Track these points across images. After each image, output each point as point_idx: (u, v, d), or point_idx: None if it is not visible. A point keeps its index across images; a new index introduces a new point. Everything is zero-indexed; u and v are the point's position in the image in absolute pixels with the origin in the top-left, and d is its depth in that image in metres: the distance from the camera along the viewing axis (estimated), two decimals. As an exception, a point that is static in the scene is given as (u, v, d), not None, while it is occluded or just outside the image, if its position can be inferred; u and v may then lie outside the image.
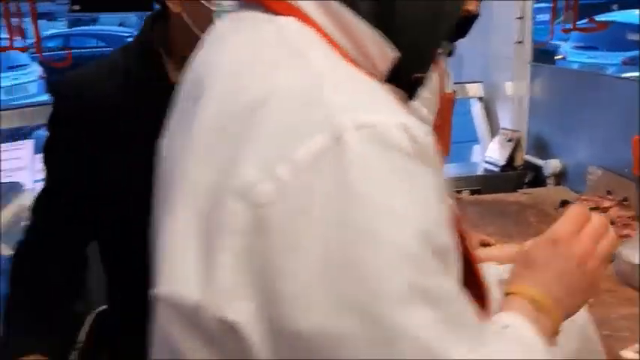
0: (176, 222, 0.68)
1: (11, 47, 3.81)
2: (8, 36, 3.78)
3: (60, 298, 1.28)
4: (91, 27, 16.04)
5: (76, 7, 3.80)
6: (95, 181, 1.21)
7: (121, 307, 1.31)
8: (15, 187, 2.44)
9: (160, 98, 1.03)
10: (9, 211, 2.25)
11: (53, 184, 1.28)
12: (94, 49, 12.50)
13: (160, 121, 0.95)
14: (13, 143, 3.53)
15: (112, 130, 1.18)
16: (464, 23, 2.00)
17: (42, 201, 1.30)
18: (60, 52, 10.12)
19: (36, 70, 10.65)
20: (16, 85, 10.17)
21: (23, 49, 3.90)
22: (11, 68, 10.08)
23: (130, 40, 1.31)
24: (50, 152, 1.28)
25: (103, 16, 16.15)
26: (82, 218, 1.26)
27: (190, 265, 0.63)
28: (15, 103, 7.64)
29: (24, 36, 4.04)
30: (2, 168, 3.40)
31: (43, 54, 3.86)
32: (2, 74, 9.29)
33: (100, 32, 14.66)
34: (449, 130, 2.22)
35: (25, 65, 10.52)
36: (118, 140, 1.18)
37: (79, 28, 16.04)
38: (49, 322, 1.23)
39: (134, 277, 1.10)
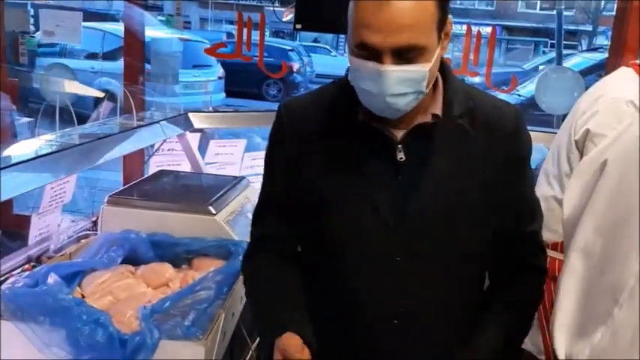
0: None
1: (240, 55, 4.25)
2: (236, 43, 4.23)
3: (298, 289, 1.43)
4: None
5: (299, 26, 4.15)
6: (301, 190, 1.38)
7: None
8: (243, 182, 2.72)
9: (347, 132, 1.33)
10: (237, 202, 2.52)
11: (275, 190, 1.45)
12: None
13: (347, 151, 1.33)
14: (230, 140, 3.85)
15: (313, 150, 1.36)
16: None
17: (266, 208, 1.48)
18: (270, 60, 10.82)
19: (217, 71, 11.42)
20: (196, 82, 10.84)
21: (247, 59, 4.30)
22: (196, 67, 10.82)
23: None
24: (270, 164, 1.46)
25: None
26: (296, 222, 1.42)
27: None
28: (189, 97, 8.12)
29: (249, 47, 4.48)
30: (216, 161, 3.82)
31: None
32: (187, 71, 9.91)
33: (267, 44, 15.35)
34: None
35: (209, 66, 11.28)
36: (317, 159, 1.36)
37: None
38: (300, 309, 1.38)
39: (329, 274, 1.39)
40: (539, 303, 1.52)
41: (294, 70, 14.07)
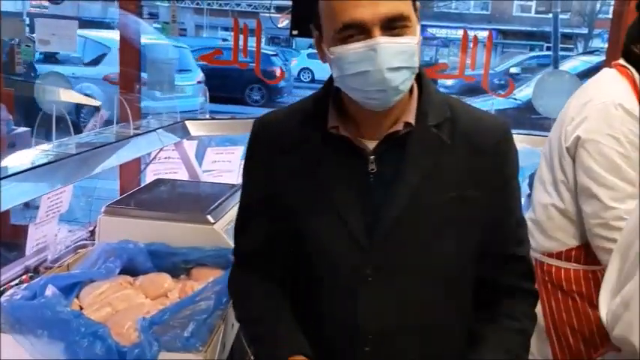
0: None
1: (236, 61, 4.24)
2: (233, 50, 4.23)
3: (287, 310, 1.36)
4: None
5: (295, 32, 4.15)
6: (274, 204, 1.32)
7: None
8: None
9: (317, 143, 1.28)
10: (235, 210, 2.51)
11: (252, 202, 1.39)
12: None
13: (317, 163, 1.27)
14: (227, 147, 3.84)
15: (285, 163, 1.31)
16: None
17: (245, 221, 1.41)
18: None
19: (196, 75, 11.42)
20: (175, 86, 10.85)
21: (244, 65, 4.29)
22: (183, 71, 10.81)
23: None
24: (246, 177, 1.41)
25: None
26: (273, 235, 1.35)
27: None
28: (168, 102, 8.21)
29: (245, 53, 4.48)
30: (213, 168, 3.81)
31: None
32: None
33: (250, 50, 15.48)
34: None
35: (188, 70, 11.26)
36: (288, 172, 1.31)
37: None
38: (295, 329, 1.32)
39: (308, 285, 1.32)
40: (532, 330, 1.39)
41: (277, 75, 14.14)
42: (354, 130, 1.27)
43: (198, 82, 11.56)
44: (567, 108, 2.09)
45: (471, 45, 4.03)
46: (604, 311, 1.37)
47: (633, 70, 2.01)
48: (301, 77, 19.02)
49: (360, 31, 1.14)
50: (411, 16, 1.16)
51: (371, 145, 1.26)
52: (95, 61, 10.75)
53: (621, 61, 2.06)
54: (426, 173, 1.24)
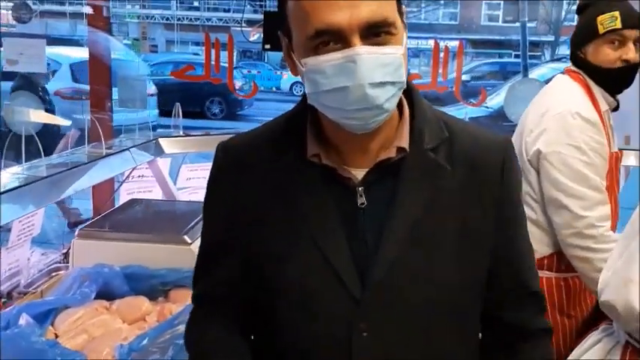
0: None
1: (208, 77, 4.22)
2: (205, 65, 4.21)
3: None
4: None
5: (268, 47, 4.15)
6: (246, 242, 1.11)
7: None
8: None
9: (295, 174, 1.07)
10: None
11: (215, 240, 1.17)
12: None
13: (295, 197, 1.06)
14: (201, 164, 3.81)
15: (254, 196, 1.10)
16: (626, 73, 2.00)
17: (207, 262, 1.19)
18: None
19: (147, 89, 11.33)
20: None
21: (217, 81, 4.27)
22: None
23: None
24: (208, 211, 1.19)
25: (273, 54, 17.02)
26: (244, 279, 1.13)
27: None
28: (119, 115, 8.29)
29: (218, 68, 4.45)
30: (187, 186, 3.77)
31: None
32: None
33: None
34: (616, 193, 2.16)
35: None
36: (258, 207, 1.09)
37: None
38: None
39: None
40: None
41: (237, 87, 14.11)
42: (336, 156, 1.08)
43: (150, 95, 11.50)
44: (525, 117, 2.10)
45: (442, 55, 4.07)
46: (599, 285, 1.50)
47: (584, 74, 2.04)
48: (293, 91, 18.68)
49: (336, 38, 0.95)
50: (397, 22, 0.99)
51: (358, 174, 1.07)
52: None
53: (572, 67, 2.09)
54: (424, 205, 1.06)
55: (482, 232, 1.10)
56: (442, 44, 4.20)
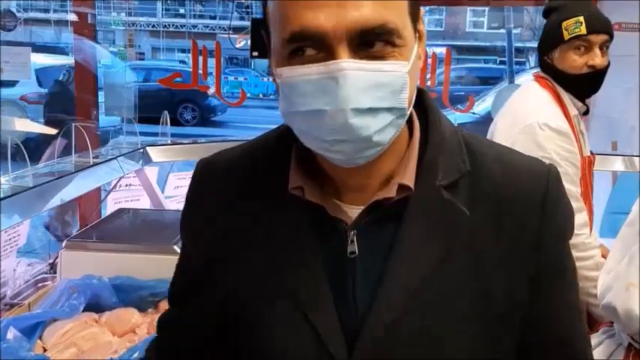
0: None
1: (196, 84, 4.20)
2: (192, 72, 4.19)
3: None
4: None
5: (255, 54, 4.13)
6: (220, 281, 0.92)
7: None
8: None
9: (275, 210, 0.87)
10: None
11: (189, 269, 0.99)
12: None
13: (274, 240, 0.86)
14: (189, 172, 3.77)
15: (231, 231, 0.91)
16: (593, 78, 1.99)
17: (178, 289, 1.02)
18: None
19: None
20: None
21: (204, 88, 4.25)
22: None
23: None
24: (183, 235, 1.01)
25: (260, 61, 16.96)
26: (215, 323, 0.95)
27: None
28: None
29: (205, 75, 4.43)
30: (176, 194, 3.74)
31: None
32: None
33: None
34: (591, 198, 2.15)
35: None
36: (234, 248, 0.90)
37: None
38: None
39: None
40: None
41: (210, 93, 14.03)
42: (329, 188, 0.87)
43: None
44: (495, 129, 2.09)
45: (430, 62, 4.07)
46: (600, 289, 1.52)
47: (552, 80, 2.03)
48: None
49: (317, 46, 0.74)
50: (404, 29, 0.76)
51: (352, 212, 0.85)
52: (12, 82, 10.62)
53: (540, 72, 2.07)
54: (432, 260, 0.83)
55: (513, 297, 0.84)
56: (430, 51, 4.21)
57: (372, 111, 0.75)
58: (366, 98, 0.74)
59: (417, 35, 0.81)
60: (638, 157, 3.28)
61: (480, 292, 0.83)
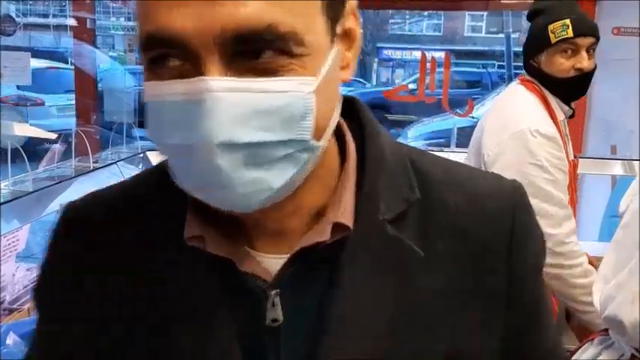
0: None
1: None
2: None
3: None
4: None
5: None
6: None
7: None
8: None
9: (170, 264, 0.65)
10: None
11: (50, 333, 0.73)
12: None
13: (167, 304, 0.64)
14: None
15: (105, 294, 0.67)
16: (580, 82, 1.97)
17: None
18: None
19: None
20: (67, 105, 10.76)
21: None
22: (68, 91, 10.65)
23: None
24: (39, 298, 0.76)
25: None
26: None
27: None
28: (63, 120, 8.22)
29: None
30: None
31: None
32: (59, 95, 9.86)
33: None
34: (575, 203, 2.13)
35: (71, 92, 11.03)
36: (110, 315, 0.67)
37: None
38: None
39: None
40: None
41: None
42: (240, 236, 0.65)
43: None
44: (481, 134, 2.04)
45: (429, 66, 4.08)
46: (597, 297, 1.46)
47: (539, 83, 2.01)
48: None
49: (182, 54, 0.54)
50: (307, 34, 0.55)
51: (271, 264, 0.65)
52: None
53: (526, 76, 2.05)
54: (381, 317, 0.63)
55: (481, 344, 0.66)
56: (429, 55, 4.22)
57: (252, 146, 0.54)
58: (245, 130, 0.53)
59: (340, 38, 0.61)
60: (637, 161, 3.28)
61: (447, 347, 0.64)
